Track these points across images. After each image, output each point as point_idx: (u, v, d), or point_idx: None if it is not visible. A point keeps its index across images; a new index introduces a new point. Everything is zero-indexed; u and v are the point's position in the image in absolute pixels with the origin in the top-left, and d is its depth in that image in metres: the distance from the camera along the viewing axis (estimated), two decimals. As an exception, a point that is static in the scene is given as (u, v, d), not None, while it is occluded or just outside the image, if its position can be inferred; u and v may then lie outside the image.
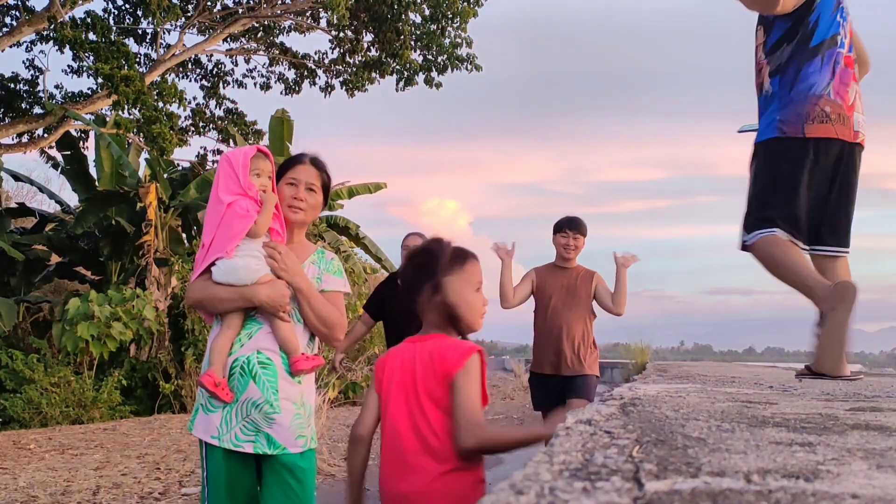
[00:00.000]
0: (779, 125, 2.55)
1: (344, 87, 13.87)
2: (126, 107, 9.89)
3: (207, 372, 2.13)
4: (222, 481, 2.15)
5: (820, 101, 2.53)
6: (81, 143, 13.07)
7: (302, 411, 2.20)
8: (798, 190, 2.53)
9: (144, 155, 12.75)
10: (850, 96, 2.60)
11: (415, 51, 12.95)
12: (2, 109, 12.94)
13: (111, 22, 12.08)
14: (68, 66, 12.83)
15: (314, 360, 2.22)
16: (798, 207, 2.54)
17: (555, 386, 4.41)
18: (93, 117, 12.92)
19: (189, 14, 12.68)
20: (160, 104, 10.50)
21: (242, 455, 2.14)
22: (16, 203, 15.09)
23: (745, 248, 2.66)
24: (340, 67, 13.86)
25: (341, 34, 13.32)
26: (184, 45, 13.02)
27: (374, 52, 13.39)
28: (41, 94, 12.89)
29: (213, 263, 2.16)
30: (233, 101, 15.09)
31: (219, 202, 2.15)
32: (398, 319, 4.22)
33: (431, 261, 1.91)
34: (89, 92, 13.14)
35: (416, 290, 1.91)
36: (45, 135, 12.53)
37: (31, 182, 13.62)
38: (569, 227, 4.44)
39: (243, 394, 2.12)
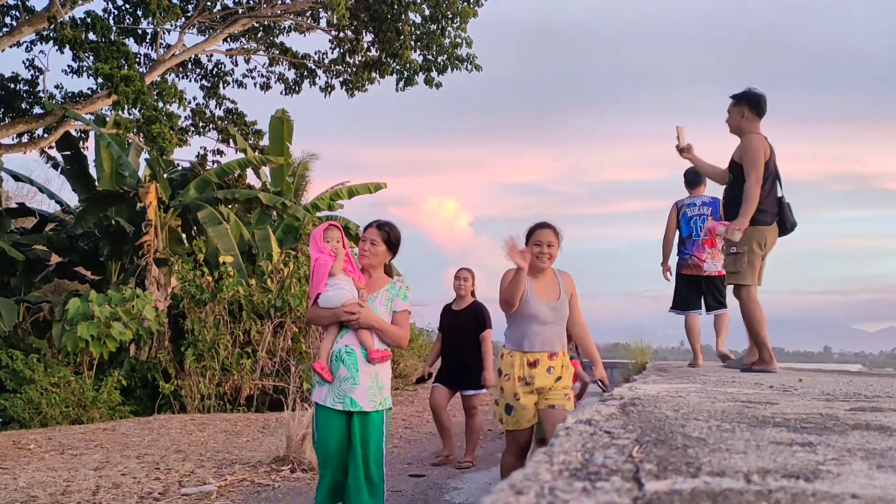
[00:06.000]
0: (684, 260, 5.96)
1: (344, 87, 13.87)
2: (126, 107, 9.88)
3: (317, 361, 3.47)
4: (325, 428, 3.42)
5: (690, 259, 6.04)
6: (81, 143, 13.06)
7: (374, 384, 3.42)
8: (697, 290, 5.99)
9: (144, 155, 12.75)
10: (704, 256, 5.96)
11: (415, 51, 12.94)
12: (2, 109, 12.92)
13: (111, 22, 12.06)
14: (68, 66, 12.82)
15: (384, 353, 3.45)
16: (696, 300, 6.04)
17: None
18: (93, 117, 12.91)
19: (189, 14, 12.67)
20: (160, 104, 10.48)
21: (335, 411, 3.40)
22: (16, 203, 15.08)
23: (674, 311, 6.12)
24: (340, 67, 13.86)
25: (341, 34, 13.31)
26: (184, 45, 13.01)
27: (374, 52, 13.38)
28: (41, 94, 12.87)
29: (317, 296, 3.49)
30: (233, 101, 15.10)
31: (313, 259, 3.52)
32: (452, 333, 6.30)
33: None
34: (89, 92, 13.12)
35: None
36: (45, 135, 12.51)
37: (31, 182, 13.61)
38: None
39: (337, 372, 3.40)
